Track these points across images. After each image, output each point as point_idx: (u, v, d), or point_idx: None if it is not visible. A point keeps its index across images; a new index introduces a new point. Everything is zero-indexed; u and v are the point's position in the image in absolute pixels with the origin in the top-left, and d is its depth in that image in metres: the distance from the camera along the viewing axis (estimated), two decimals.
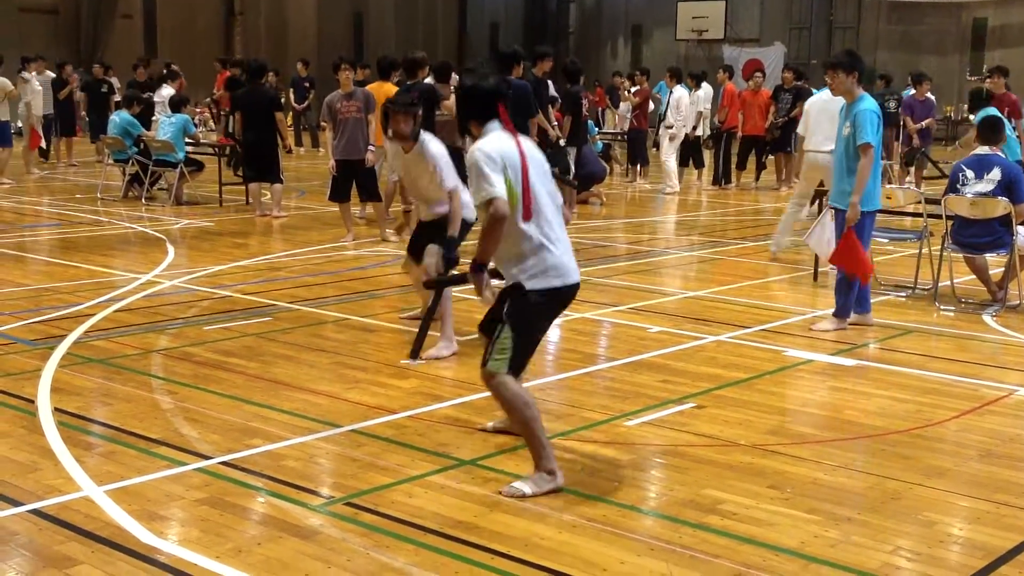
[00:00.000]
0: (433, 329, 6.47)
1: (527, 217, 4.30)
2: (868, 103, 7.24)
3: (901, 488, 4.49)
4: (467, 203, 6.31)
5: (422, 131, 6.62)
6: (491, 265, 4.41)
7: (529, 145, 4.48)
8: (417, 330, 6.47)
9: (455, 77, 13.25)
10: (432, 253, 6.47)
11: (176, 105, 14.78)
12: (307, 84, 22.99)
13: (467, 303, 7.39)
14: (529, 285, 4.31)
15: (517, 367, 4.41)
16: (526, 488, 4.32)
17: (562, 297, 4.43)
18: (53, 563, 3.66)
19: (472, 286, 4.45)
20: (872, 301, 7.61)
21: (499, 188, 4.21)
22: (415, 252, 6.80)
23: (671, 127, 16.71)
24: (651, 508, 4.31)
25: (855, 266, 7.21)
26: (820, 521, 4.12)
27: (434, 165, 6.45)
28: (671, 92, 17.03)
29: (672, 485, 4.53)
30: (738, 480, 4.55)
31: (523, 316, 4.35)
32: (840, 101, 9.96)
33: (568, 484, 4.41)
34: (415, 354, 4.86)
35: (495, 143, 4.34)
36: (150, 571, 3.61)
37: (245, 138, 13.00)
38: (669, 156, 16.86)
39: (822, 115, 9.91)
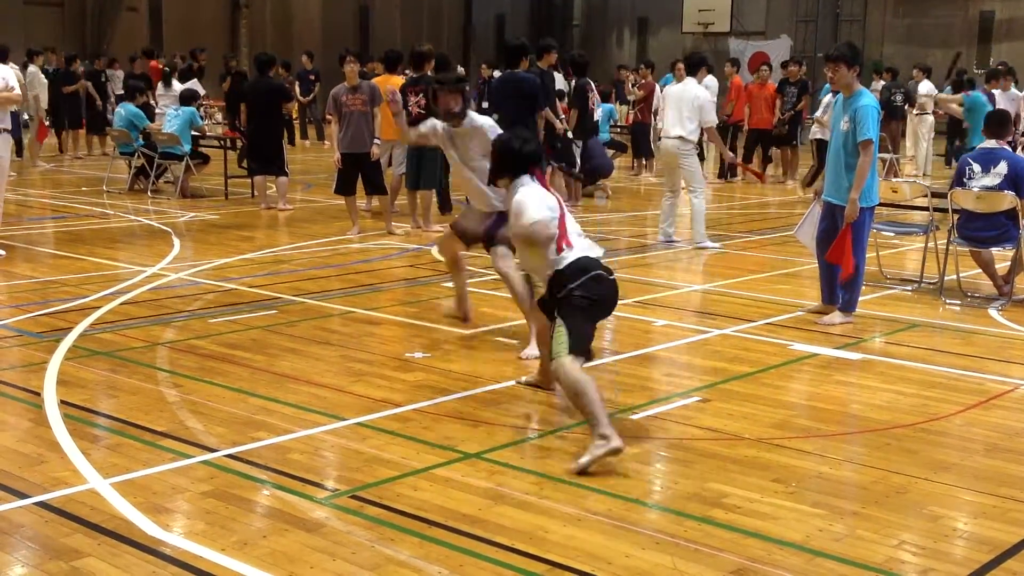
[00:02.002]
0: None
1: (561, 250, 4.91)
2: (868, 98, 7.17)
3: (906, 482, 4.49)
4: None
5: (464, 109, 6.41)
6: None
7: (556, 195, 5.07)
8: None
9: (460, 69, 13.25)
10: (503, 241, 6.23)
11: (186, 99, 14.78)
12: (312, 77, 22.99)
13: (479, 296, 7.40)
14: (576, 292, 4.83)
15: (582, 350, 4.71)
16: (583, 459, 4.49)
17: (597, 275, 4.91)
18: (59, 555, 3.67)
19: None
20: (878, 295, 7.60)
21: (548, 216, 4.89)
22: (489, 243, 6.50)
23: None
24: (656, 502, 4.31)
25: (841, 260, 7.16)
26: (825, 515, 4.12)
27: (488, 132, 6.24)
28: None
29: (677, 479, 4.53)
30: (743, 474, 4.55)
31: (574, 312, 4.80)
32: (693, 91, 10.33)
33: (572, 478, 4.42)
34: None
35: (538, 194, 4.97)
36: (156, 563, 3.62)
37: (250, 131, 12.99)
38: None
39: (672, 103, 10.54)
